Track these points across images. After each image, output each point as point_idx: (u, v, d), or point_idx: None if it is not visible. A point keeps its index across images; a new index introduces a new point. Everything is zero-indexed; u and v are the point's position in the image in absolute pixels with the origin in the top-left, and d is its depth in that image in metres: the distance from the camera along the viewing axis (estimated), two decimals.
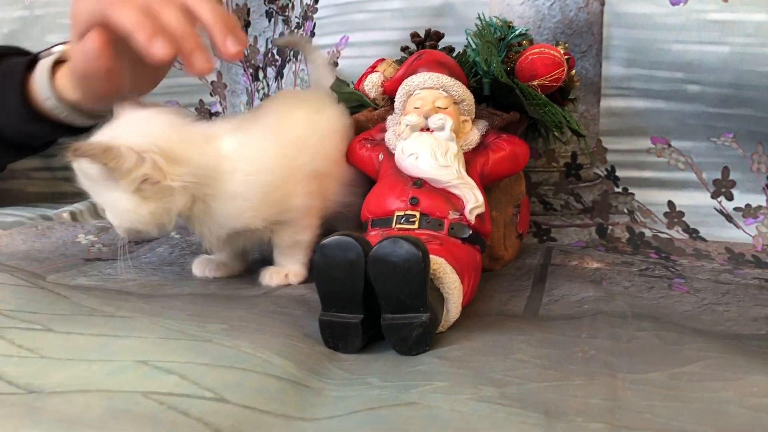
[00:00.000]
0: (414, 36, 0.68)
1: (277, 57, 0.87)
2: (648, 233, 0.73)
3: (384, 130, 0.65)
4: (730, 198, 0.72)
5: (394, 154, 0.60)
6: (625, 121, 0.72)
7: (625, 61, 0.69)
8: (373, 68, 0.68)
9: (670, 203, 0.74)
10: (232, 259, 0.65)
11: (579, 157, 0.75)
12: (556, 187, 0.76)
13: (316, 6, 0.82)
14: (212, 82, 0.90)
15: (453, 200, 0.55)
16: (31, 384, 0.38)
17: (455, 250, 0.52)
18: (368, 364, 0.45)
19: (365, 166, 0.63)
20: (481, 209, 0.55)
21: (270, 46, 0.87)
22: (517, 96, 0.59)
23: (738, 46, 0.65)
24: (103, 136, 0.55)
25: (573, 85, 0.64)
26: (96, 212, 0.85)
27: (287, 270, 0.61)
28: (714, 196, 0.73)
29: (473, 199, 0.55)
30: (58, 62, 0.70)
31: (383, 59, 0.68)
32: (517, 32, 0.63)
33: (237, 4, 0.86)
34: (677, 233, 0.73)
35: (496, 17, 0.64)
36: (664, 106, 0.70)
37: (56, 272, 0.61)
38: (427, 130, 0.57)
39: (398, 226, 0.54)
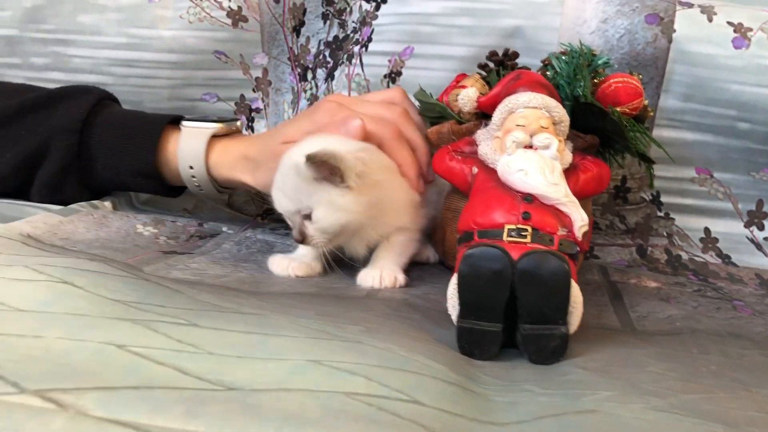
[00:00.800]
0: (493, 55, 0.71)
1: (329, 59, 0.87)
2: (684, 256, 0.79)
3: (473, 143, 0.67)
4: (761, 228, 0.79)
5: (489, 168, 0.63)
6: (674, 151, 0.76)
7: (682, 95, 0.75)
8: (457, 82, 0.70)
9: (706, 230, 0.79)
10: (313, 260, 0.65)
11: (628, 180, 0.79)
12: (603, 207, 0.80)
13: (376, 13, 0.83)
14: (257, 78, 0.89)
15: (561, 217, 0.57)
16: (222, 380, 0.38)
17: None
18: (509, 371, 0.47)
19: (455, 177, 0.65)
20: (587, 228, 0.58)
21: (322, 47, 0.88)
22: (609, 121, 0.63)
23: None
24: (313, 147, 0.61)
25: (647, 115, 0.68)
26: (131, 203, 0.82)
27: (394, 273, 0.62)
28: (747, 225, 0.79)
29: (580, 218, 0.58)
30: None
31: (465, 74, 0.70)
32: (603, 60, 0.66)
33: (294, 3, 0.86)
34: (711, 258, 0.79)
35: (582, 44, 0.68)
36: (712, 139, 0.75)
37: (146, 264, 0.59)
38: (529, 147, 0.60)
39: (509, 239, 0.56)
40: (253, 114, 0.90)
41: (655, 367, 0.48)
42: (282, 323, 0.47)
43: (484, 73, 0.71)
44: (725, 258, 0.79)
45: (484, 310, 0.48)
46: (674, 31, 0.73)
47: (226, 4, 0.85)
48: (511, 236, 0.57)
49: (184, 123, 0.75)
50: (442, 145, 0.69)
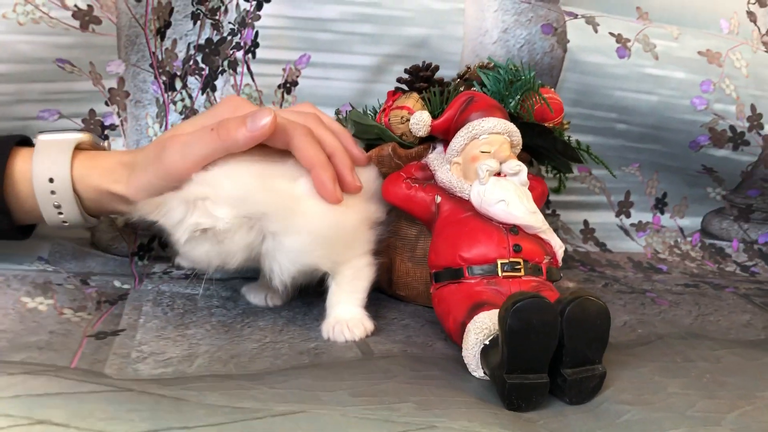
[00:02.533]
0: (416, 69, 0.67)
1: (201, 65, 0.75)
2: (569, 248, 0.85)
3: (425, 169, 0.63)
4: (628, 216, 0.88)
5: (453, 197, 0.61)
6: None
7: (571, 101, 0.79)
8: (393, 101, 0.65)
9: (585, 221, 0.87)
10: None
11: None
12: None
13: (258, 13, 0.73)
14: (110, 89, 0.73)
15: (543, 245, 0.58)
16: None
17: (556, 294, 0.56)
18: (563, 420, 0.46)
19: (415, 206, 0.61)
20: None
21: (192, 51, 0.75)
22: (555, 139, 0.64)
23: (664, 97, 0.80)
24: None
25: (563, 127, 0.71)
26: None
27: (360, 320, 0.57)
28: (617, 215, 0.88)
29: (558, 244, 0.59)
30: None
31: (401, 93, 0.66)
32: (531, 75, 0.67)
33: (159, 2, 0.72)
34: (591, 246, 0.87)
35: (509, 60, 0.68)
36: (593, 140, 0.81)
37: (97, 364, 0.47)
38: (498, 174, 0.59)
39: (504, 273, 0.55)
40: (106, 131, 0.75)
41: (672, 387, 0.51)
42: (343, 422, 0.41)
43: (402, 86, 0.68)
44: (602, 246, 0.87)
45: (532, 362, 0.47)
46: (568, 41, 0.77)
47: (71, 3, 0.68)
48: (506, 271, 0.57)
49: (41, 137, 0.61)
50: (384, 170, 0.65)
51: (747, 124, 0.82)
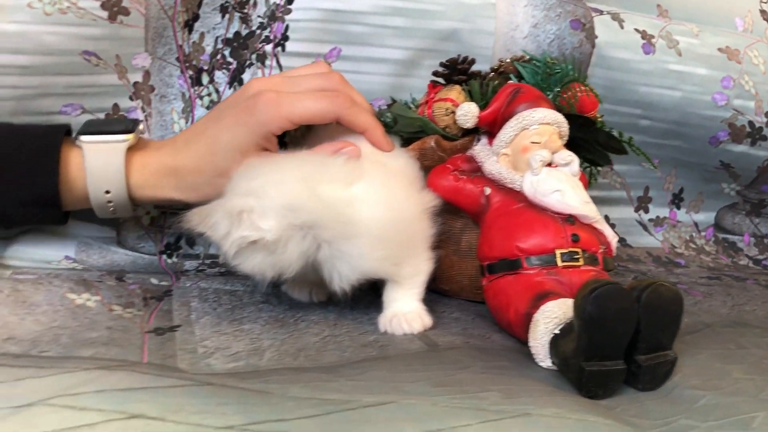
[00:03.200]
0: (454, 62, 0.67)
1: (229, 59, 0.73)
2: None
3: (471, 161, 0.63)
4: (646, 211, 0.89)
5: (503, 188, 0.60)
6: None
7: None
8: (434, 93, 0.65)
9: (606, 216, 0.87)
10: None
11: None
12: None
13: (289, 7, 0.72)
14: (135, 83, 0.71)
15: (598, 235, 0.58)
16: None
17: None
18: (640, 406, 0.46)
19: (464, 199, 0.61)
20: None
21: (220, 45, 0.73)
22: (598, 131, 0.65)
23: (687, 92, 0.81)
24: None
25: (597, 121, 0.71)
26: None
27: (418, 314, 0.56)
28: (636, 210, 0.89)
29: (611, 233, 0.59)
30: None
31: (442, 85, 0.65)
32: (569, 68, 0.67)
33: None
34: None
35: (545, 54, 0.68)
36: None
37: (167, 359, 0.45)
38: (549, 165, 0.59)
39: (564, 263, 0.55)
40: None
41: (736, 373, 0.52)
42: (431, 410, 0.40)
43: (439, 80, 0.67)
44: (622, 240, 0.88)
45: (608, 349, 0.46)
46: (596, 36, 0.78)
47: None
48: (565, 261, 0.56)
49: (83, 138, 0.59)
50: (427, 163, 0.65)
51: (765, 120, 0.84)
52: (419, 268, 0.58)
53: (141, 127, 0.64)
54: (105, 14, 0.67)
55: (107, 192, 0.59)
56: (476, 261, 0.63)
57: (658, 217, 0.90)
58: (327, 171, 0.54)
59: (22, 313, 0.49)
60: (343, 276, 0.53)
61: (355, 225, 0.52)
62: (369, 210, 0.53)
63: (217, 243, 0.52)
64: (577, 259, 0.56)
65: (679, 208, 0.91)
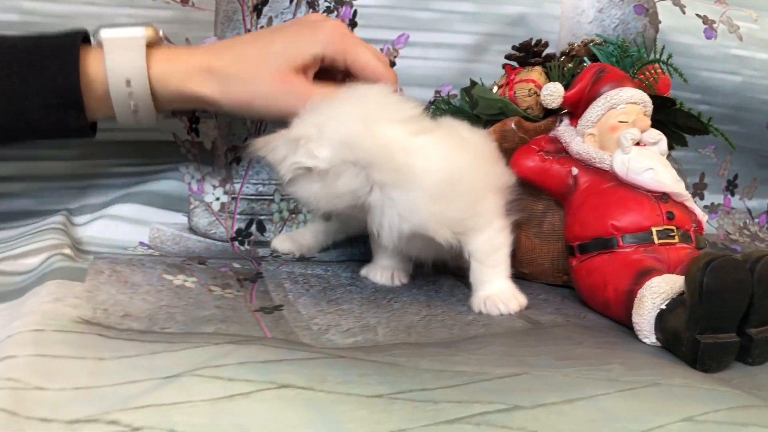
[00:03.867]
0: (527, 45, 0.67)
1: None
2: None
3: (555, 141, 0.63)
4: (702, 198, 0.89)
5: (590, 168, 0.60)
6: None
7: None
8: (514, 74, 0.64)
9: None
10: (403, 262, 0.61)
11: None
12: None
13: None
14: None
15: (690, 212, 0.58)
16: None
17: None
18: (754, 379, 0.46)
19: (551, 179, 0.61)
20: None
21: None
22: (678, 112, 0.64)
23: (747, 77, 0.82)
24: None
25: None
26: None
27: (513, 294, 0.55)
28: (692, 197, 0.88)
29: (701, 212, 0.59)
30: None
31: (520, 68, 0.65)
32: (642, 51, 0.67)
33: None
34: None
35: (619, 37, 0.68)
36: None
37: (286, 334, 0.44)
38: (637, 144, 0.59)
39: (660, 241, 0.55)
40: (197, 113, 0.72)
41: None
42: (564, 381, 0.40)
43: (513, 63, 0.67)
44: None
45: (723, 322, 0.46)
46: (659, 22, 0.78)
47: None
48: (661, 238, 0.56)
49: (103, 34, 0.56)
50: (507, 145, 0.64)
51: None
52: (495, 241, 0.57)
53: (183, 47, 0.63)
54: None
55: (128, 83, 0.55)
56: (558, 243, 0.63)
57: (713, 203, 0.90)
58: (393, 113, 0.54)
59: (129, 293, 0.48)
60: (392, 225, 0.53)
61: (407, 173, 0.52)
62: (425, 162, 0.52)
63: (275, 167, 0.53)
64: (672, 237, 0.56)
65: (733, 194, 0.91)
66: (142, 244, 0.67)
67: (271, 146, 0.52)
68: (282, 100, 0.56)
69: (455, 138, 0.57)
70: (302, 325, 0.46)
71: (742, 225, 0.91)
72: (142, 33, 0.56)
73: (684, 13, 0.80)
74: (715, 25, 0.81)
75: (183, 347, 0.39)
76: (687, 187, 0.90)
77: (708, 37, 0.80)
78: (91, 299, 0.45)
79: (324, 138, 0.51)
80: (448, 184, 0.52)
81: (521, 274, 0.66)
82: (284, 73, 0.56)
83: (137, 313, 0.45)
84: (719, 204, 0.90)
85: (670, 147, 0.70)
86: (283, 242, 0.68)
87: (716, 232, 0.89)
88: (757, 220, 0.92)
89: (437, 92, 0.75)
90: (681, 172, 0.88)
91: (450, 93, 0.75)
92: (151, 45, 0.56)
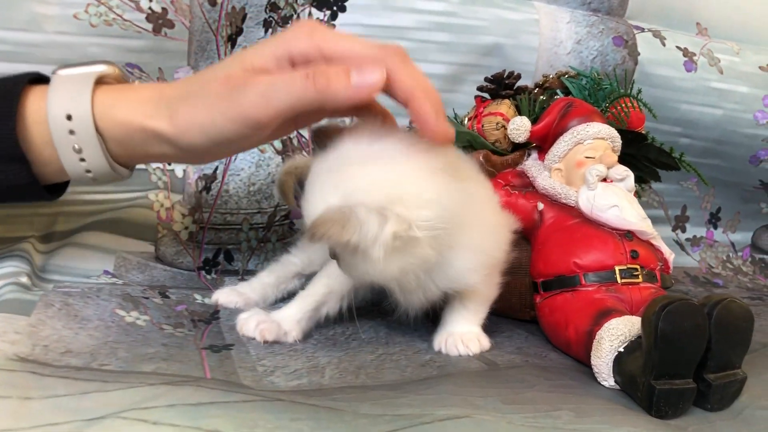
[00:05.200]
0: (499, 77, 0.67)
1: None
2: None
3: (522, 175, 0.62)
4: (684, 230, 0.88)
5: (557, 204, 0.60)
6: None
7: None
8: (483, 107, 0.64)
9: None
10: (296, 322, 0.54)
11: None
12: None
13: (333, 23, 0.72)
14: None
15: (656, 251, 0.57)
16: None
17: None
18: (712, 426, 0.45)
19: (519, 215, 0.60)
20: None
21: None
22: (650, 147, 0.64)
23: (729, 111, 0.81)
24: (330, 192, 0.45)
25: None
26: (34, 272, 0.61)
27: (476, 336, 0.55)
28: (673, 229, 0.88)
29: (668, 250, 0.58)
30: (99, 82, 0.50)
31: (490, 100, 0.65)
32: (615, 84, 0.67)
33: (234, 7, 0.70)
34: None
35: (593, 69, 0.68)
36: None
37: (230, 376, 0.43)
38: (604, 180, 0.58)
39: (623, 280, 0.54)
40: None
41: None
42: (507, 428, 0.39)
43: (484, 95, 0.67)
44: None
45: (679, 367, 0.45)
46: (639, 54, 0.78)
47: (145, 5, 0.66)
48: (624, 277, 0.56)
49: (59, 71, 0.50)
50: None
51: None
52: (490, 292, 0.56)
53: (136, 83, 0.56)
54: (150, 27, 0.67)
55: (68, 118, 0.47)
56: (525, 279, 0.62)
57: (695, 236, 0.90)
58: (435, 157, 0.46)
59: (76, 327, 0.48)
60: (432, 289, 0.50)
61: (473, 231, 0.49)
62: (487, 217, 0.50)
63: (363, 249, 0.44)
64: (636, 276, 0.55)
65: (716, 227, 0.90)
66: (106, 272, 0.66)
67: (355, 223, 0.43)
68: (236, 100, 0.45)
69: (486, 184, 0.55)
70: (247, 366, 0.46)
71: (725, 258, 0.90)
72: (97, 69, 0.50)
73: (664, 45, 0.80)
74: (695, 58, 0.80)
75: (116, 387, 0.39)
76: (668, 220, 0.91)
77: (688, 70, 0.80)
78: (33, 335, 0.45)
79: (412, 197, 0.44)
80: (505, 242, 0.52)
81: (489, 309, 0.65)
82: (233, 74, 0.46)
83: (79, 349, 0.44)
84: (702, 237, 0.90)
85: (643, 181, 0.71)
86: (228, 295, 0.62)
87: (698, 266, 0.88)
88: (740, 254, 0.91)
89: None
90: (663, 204, 0.88)
91: None
92: (107, 82, 0.50)
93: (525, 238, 0.62)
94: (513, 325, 0.62)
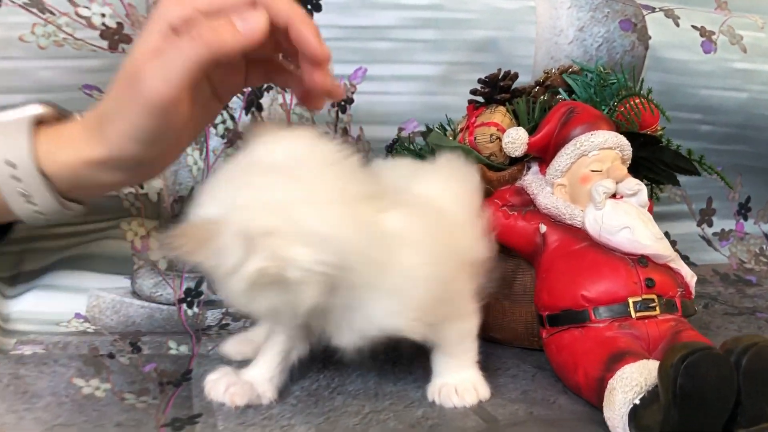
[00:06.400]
0: (494, 78, 0.60)
1: None
2: None
3: (521, 193, 0.56)
4: (710, 225, 0.82)
5: (561, 224, 0.53)
6: None
7: None
8: (475, 116, 0.58)
9: (666, 234, 0.80)
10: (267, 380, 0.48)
11: None
12: None
13: None
14: None
15: (674, 276, 0.51)
16: None
17: (695, 333, 0.48)
18: None
19: (517, 238, 0.54)
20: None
21: None
22: (665, 150, 0.58)
23: (755, 93, 0.74)
24: (213, 201, 0.41)
25: (658, 134, 0.64)
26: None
27: (473, 383, 0.49)
28: (699, 224, 0.81)
29: (689, 272, 0.52)
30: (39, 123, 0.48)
31: (483, 107, 0.58)
32: (623, 79, 0.60)
33: None
34: None
35: (598, 64, 0.61)
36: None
37: None
38: (613, 196, 0.52)
39: (638, 314, 0.48)
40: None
41: None
42: None
43: (478, 99, 0.60)
44: (684, 259, 0.80)
45: (705, 425, 0.40)
46: (650, 37, 0.70)
47: (97, 21, 0.60)
48: (639, 310, 0.49)
49: None
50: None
51: None
52: (465, 328, 0.49)
53: (77, 116, 0.51)
54: (105, 44, 0.61)
55: (11, 165, 0.46)
56: (531, 305, 0.56)
57: (723, 230, 0.83)
58: (352, 184, 0.42)
59: (22, 410, 0.43)
60: (356, 331, 0.44)
61: (391, 273, 0.42)
62: (410, 257, 0.43)
63: (221, 275, 0.39)
64: (653, 308, 0.49)
65: (746, 218, 0.83)
66: (78, 315, 0.62)
67: (216, 245, 0.38)
68: (138, 92, 0.42)
69: (430, 213, 0.47)
70: None
71: (758, 251, 0.83)
72: (32, 111, 0.48)
73: (678, 25, 0.72)
74: (714, 37, 0.73)
75: None
76: (693, 215, 0.84)
77: (706, 51, 0.72)
78: None
79: (297, 232, 0.39)
80: (438, 284, 0.44)
81: (493, 338, 0.60)
82: (129, 69, 0.43)
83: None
84: (731, 230, 0.83)
85: (660, 182, 0.64)
86: (236, 346, 0.56)
87: (728, 261, 0.82)
88: None
89: (401, 129, 0.69)
90: (685, 198, 0.81)
91: (415, 129, 0.68)
92: (45, 121, 0.48)
93: (529, 262, 0.57)
94: (519, 359, 0.56)
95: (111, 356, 0.54)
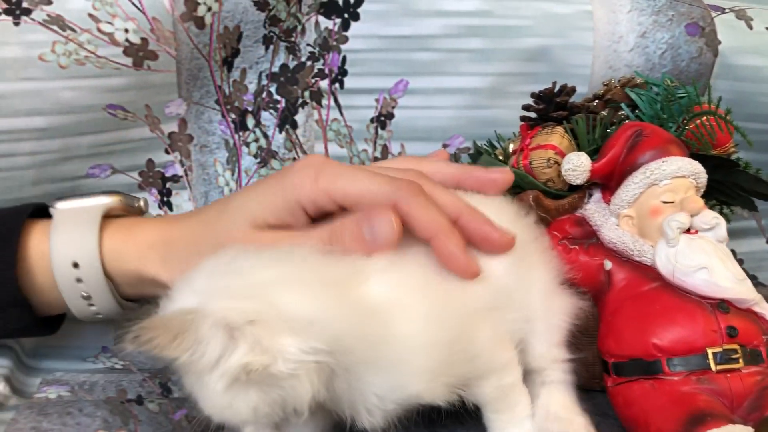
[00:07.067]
0: (549, 93, 0.55)
1: (276, 97, 0.63)
2: None
3: (582, 224, 0.51)
4: None
5: (627, 261, 0.48)
6: None
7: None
8: (530, 138, 0.53)
9: (732, 251, 0.74)
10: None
11: None
12: None
13: (345, 34, 0.61)
14: (171, 134, 0.62)
15: (759, 321, 0.46)
16: None
17: None
18: None
19: (581, 276, 0.49)
20: None
21: (265, 81, 0.63)
22: (732, 172, 0.52)
23: None
24: (193, 287, 0.36)
25: (732, 153, 0.58)
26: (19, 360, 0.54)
27: None
28: None
29: None
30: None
31: (539, 126, 0.54)
32: (693, 93, 0.54)
33: (226, 27, 0.60)
34: None
35: (665, 76, 0.55)
36: (744, 157, 0.69)
37: None
38: (687, 231, 0.47)
39: (719, 366, 0.43)
40: (168, 184, 0.63)
41: None
42: None
43: (531, 115, 0.55)
44: (752, 279, 0.75)
45: None
46: (719, 42, 0.64)
47: (121, 38, 0.57)
48: (720, 363, 0.44)
49: (58, 205, 0.49)
50: None
51: None
52: (504, 381, 0.43)
53: (141, 203, 0.53)
54: (129, 61, 0.57)
55: (75, 266, 0.46)
56: (592, 347, 0.52)
57: None
58: (324, 268, 0.39)
59: None
60: (373, 409, 0.39)
61: (386, 348, 0.38)
62: (404, 326, 0.38)
63: (198, 371, 0.34)
64: (736, 360, 0.44)
65: None
66: (104, 349, 0.59)
67: (192, 339, 0.33)
68: None
69: (418, 268, 0.42)
70: None
71: None
72: (100, 202, 0.49)
73: (751, 27, 0.66)
74: None
75: None
76: (762, 231, 0.78)
77: None
78: None
79: (280, 317, 0.35)
80: (443, 346, 0.39)
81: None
82: (240, 232, 0.44)
83: None
84: None
85: (733, 206, 0.58)
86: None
87: None
88: None
89: (445, 146, 0.64)
90: (754, 214, 0.75)
91: (461, 146, 0.64)
92: (113, 214, 0.49)
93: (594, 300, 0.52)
94: (581, 402, 0.52)
95: (140, 402, 0.51)
